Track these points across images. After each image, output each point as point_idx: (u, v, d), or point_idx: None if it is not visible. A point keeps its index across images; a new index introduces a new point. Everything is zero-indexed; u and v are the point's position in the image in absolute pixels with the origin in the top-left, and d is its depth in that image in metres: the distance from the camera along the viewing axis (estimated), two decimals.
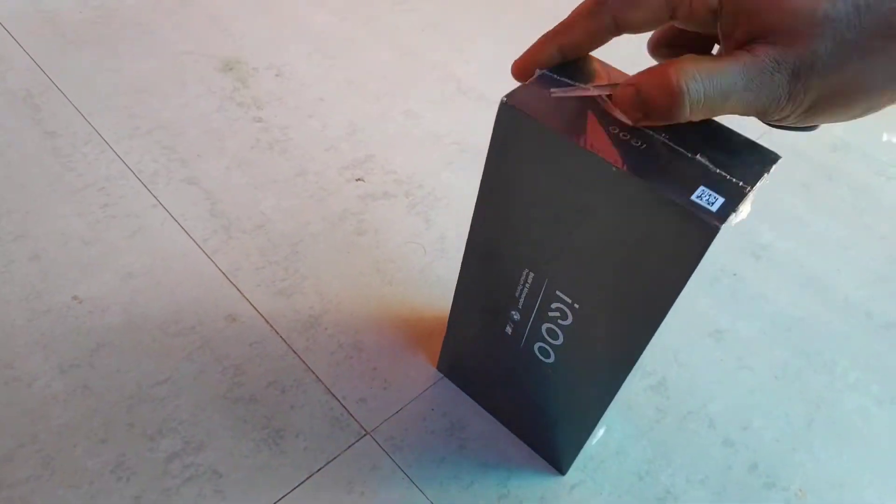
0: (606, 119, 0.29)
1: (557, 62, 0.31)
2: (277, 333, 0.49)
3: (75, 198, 0.55)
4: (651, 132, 0.29)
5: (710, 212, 0.27)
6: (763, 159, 0.30)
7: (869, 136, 0.84)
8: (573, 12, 0.30)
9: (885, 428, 0.52)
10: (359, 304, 0.51)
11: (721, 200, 0.27)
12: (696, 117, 0.27)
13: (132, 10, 0.76)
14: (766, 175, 0.29)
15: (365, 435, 0.44)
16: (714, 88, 0.26)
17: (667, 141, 0.29)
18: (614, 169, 0.28)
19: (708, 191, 0.27)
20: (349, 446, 0.43)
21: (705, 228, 0.27)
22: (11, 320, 0.46)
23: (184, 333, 0.48)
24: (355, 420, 0.45)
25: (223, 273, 0.52)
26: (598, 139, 0.29)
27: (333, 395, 0.46)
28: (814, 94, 0.26)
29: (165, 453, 0.41)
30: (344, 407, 0.45)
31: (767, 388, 0.52)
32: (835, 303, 0.60)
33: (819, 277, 0.62)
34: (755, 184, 0.28)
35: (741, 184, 0.28)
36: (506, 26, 0.86)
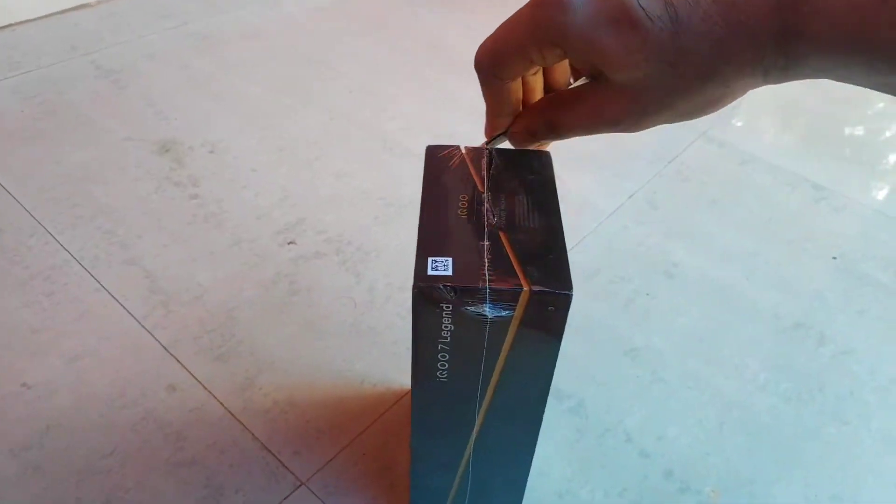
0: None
1: (510, 104, 0.35)
2: (215, 398, 0.52)
3: (22, 289, 0.58)
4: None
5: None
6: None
7: (775, 149, 0.90)
8: (502, 47, 0.32)
9: (792, 424, 0.56)
10: (292, 361, 0.55)
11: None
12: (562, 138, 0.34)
13: (72, 103, 0.80)
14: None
15: (301, 485, 0.48)
16: (575, 128, 0.32)
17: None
18: None
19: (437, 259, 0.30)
20: (285, 497, 0.47)
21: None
22: None
23: (128, 407, 0.51)
24: (290, 472, 0.48)
25: (163, 346, 0.55)
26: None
27: (269, 451, 0.49)
28: (658, 122, 0.30)
29: None
30: (279, 461, 0.49)
31: (681, 397, 0.56)
32: (744, 310, 0.65)
33: (728, 287, 0.67)
34: None
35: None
36: (427, 80, 0.92)
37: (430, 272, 0.30)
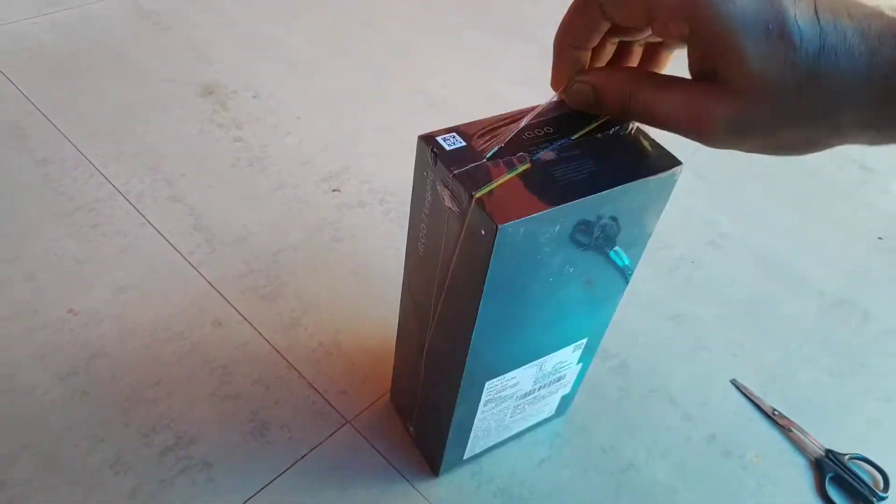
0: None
1: (578, 63, 0.33)
2: (261, 335, 0.52)
3: (67, 220, 0.58)
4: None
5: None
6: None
7: None
8: (568, 11, 0.31)
9: (835, 396, 0.55)
10: (337, 305, 0.55)
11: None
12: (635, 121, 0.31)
13: (113, 41, 0.79)
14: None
15: (345, 424, 0.47)
16: (654, 112, 0.29)
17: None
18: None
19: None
20: (330, 435, 0.47)
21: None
22: (10, 335, 0.49)
23: (173, 339, 0.51)
24: (336, 411, 0.48)
25: (209, 282, 0.55)
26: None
27: (315, 389, 0.49)
28: (743, 147, 0.28)
29: (159, 448, 0.45)
30: (325, 399, 0.48)
31: (725, 365, 0.56)
32: (788, 284, 0.64)
33: (773, 261, 0.66)
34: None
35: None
36: (468, 41, 0.91)
37: (439, 138, 0.31)
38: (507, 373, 0.39)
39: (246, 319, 0.53)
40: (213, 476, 0.44)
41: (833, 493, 0.49)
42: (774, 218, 0.71)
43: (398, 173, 0.67)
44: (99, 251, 0.56)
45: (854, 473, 0.50)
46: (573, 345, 0.41)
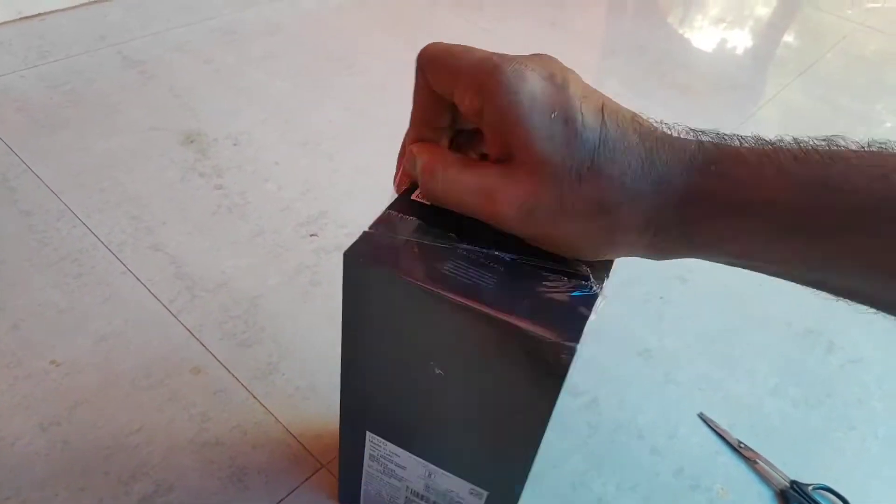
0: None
1: (424, 132, 0.34)
2: (239, 381, 0.53)
3: (51, 270, 0.60)
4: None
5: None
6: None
7: None
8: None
9: (801, 427, 0.57)
10: (314, 349, 0.56)
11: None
12: (444, 205, 0.31)
13: (99, 92, 0.82)
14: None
15: (321, 468, 0.49)
16: (451, 192, 0.30)
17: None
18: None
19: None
20: (307, 479, 0.48)
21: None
22: None
23: (154, 387, 0.52)
24: (311, 455, 0.49)
25: (188, 330, 0.56)
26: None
27: (291, 434, 0.50)
28: (532, 234, 0.30)
29: (139, 496, 0.46)
30: (301, 444, 0.50)
31: (692, 399, 0.57)
32: (756, 316, 0.66)
33: (741, 294, 0.68)
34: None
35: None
36: None
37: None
38: (389, 440, 0.39)
39: (224, 366, 0.54)
40: None
41: None
42: None
43: (374, 216, 0.69)
44: (81, 301, 0.58)
45: (818, 503, 0.51)
46: (469, 485, 0.38)
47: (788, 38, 1.32)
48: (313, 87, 0.88)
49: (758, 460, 0.54)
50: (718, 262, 0.31)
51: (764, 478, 0.53)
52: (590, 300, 0.30)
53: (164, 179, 0.71)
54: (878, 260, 0.27)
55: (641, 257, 0.30)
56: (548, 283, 0.30)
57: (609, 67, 1.09)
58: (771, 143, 0.28)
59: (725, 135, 0.29)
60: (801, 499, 0.51)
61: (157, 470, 0.47)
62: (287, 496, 0.47)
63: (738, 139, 0.28)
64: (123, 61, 0.88)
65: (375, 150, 0.78)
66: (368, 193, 0.72)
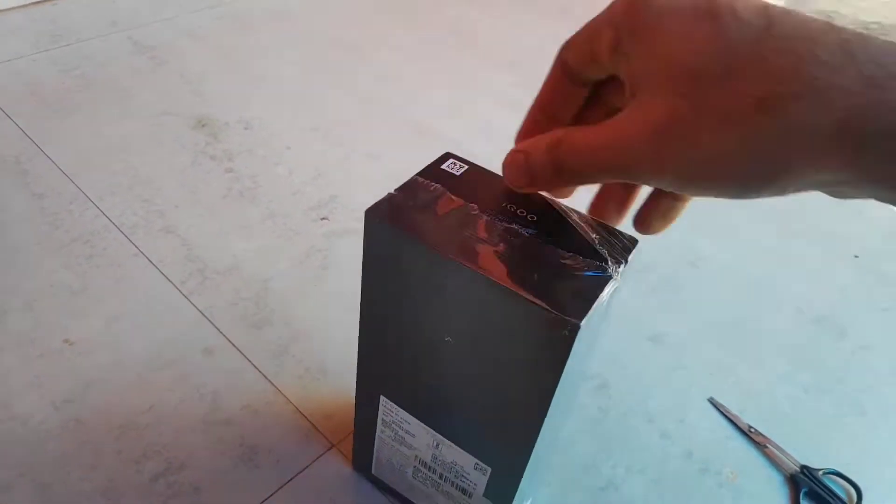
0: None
1: (544, 126, 0.30)
2: (250, 362, 0.53)
3: (63, 251, 0.60)
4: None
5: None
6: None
7: None
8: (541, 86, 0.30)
9: (811, 413, 0.56)
10: (324, 331, 0.56)
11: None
12: (576, 184, 0.28)
13: (110, 76, 0.82)
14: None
15: (331, 447, 0.49)
16: (581, 154, 0.26)
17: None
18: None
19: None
20: (317, 458, 0.48)
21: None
22: (8, 365, 0.51)
23: (165, 367, 0.52)
24: (322, 434, 0.49)
25: (200, 311, 0.57)
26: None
27: (302, 414, 0.51)
28: (669, 168, 0.23)
29: (150, 474, 0.46)
30: (311, 423, 0.50)
31: (703, 384, 0.57)
32: (767, 303, 0.66)
33: (751, 281, 0.67)
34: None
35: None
36: (456, 71, 0.93)
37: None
38: (401, 406, 0.39)
39: (236, 347, 0.54)
40: (201, 501, 0.45)
41: None
42: (753, 239, 0.73)
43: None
44: (94, 282, 0.58)
45: (828, 488, 0.51)
46: (474, 459, 0.38)
47: None
48: (323, 72, 0.88)
49: (768, 445, 0.53)
50: None
51: (774, 462, 0.53)
52: (602, 282, 0.30)
53: (176, 163, 0.71)
54: None
55: (830, 194, 0.23)
56: (563, 261, 0.30)
57: None
58: None
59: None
60: (812, 483, 0.51)
61: (169, 448, 0.48)
62: (297, 475, 0.47)
63: None
64: (134, 46, 0.88)
65: (386, 137, 0.78)
66: (379, 179, 0.72)
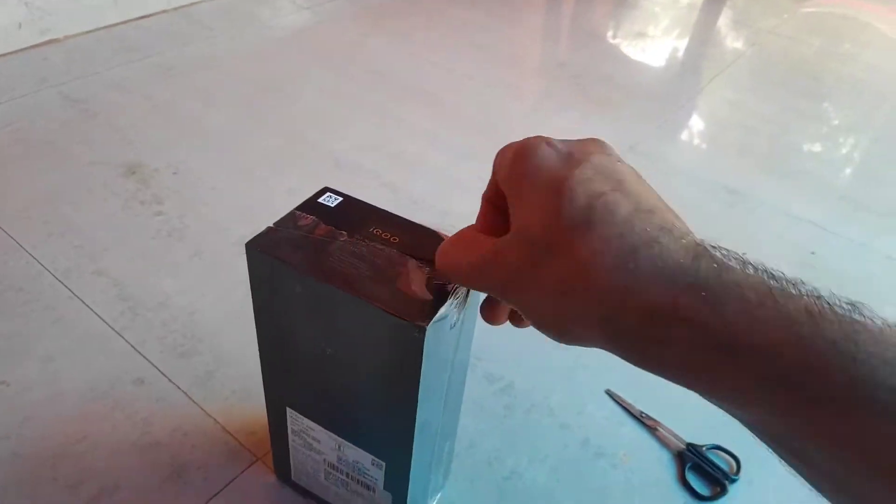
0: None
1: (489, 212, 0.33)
2: (179, 389, 0.58)
3: None
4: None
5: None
6: None
7: (699, 158, 0.98)
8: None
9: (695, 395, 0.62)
10: (248, 356, 0.60)
11: None
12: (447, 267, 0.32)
13: (42, 130, 0.86)
14: None
15: (256, 460, 0.53)
16: (453, 276, 0.32)
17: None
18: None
19: None
20: (243, 471, 0.52)
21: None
22: None
23: (99, 399, 0.56)
24: (247, 449, 0.54)
25: (131, 345, 0.61)
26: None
27: (228, 432, 0.55)
28: (493, 287, 0.29)
29: (85, 498, 0.50)
30: (237, 440, 0.54)
31: (600, 378, 0.63)
32: None
33: None
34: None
35: None
36: (373, 104, 0.99)
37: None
38: (304, 415, 0.44)
39: (165, 376, 0.58)
40: None
41: (692, 479, 0.56)
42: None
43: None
44: (29, 326, 0.62)
45: (710, 461, 0.57)
46: (371, 456, 0.42)
47: (704, 49, 1.41)
48: (249, 116, 0.93)
49: (658, 427, 0.59)
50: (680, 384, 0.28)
51: (663, 442, 0.58)
52: (448, 290, 0.35)
53: (107, 209, 0.75)
54: (875, 448, 0.23)
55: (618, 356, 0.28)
56: (413, 274, 0.36)
57: (534, 85, 1.16)
58: (776, 278, 0.25)
59: (732, 253, 0.26)
60: (696, 458, 0.57)
61: (102, 473, 0.51)
62: (224, 487, 0.51)
63: (743, 263, 0.25)
64: (64, 101, 0.92)
65: (307, 173, 0.84)
66: None
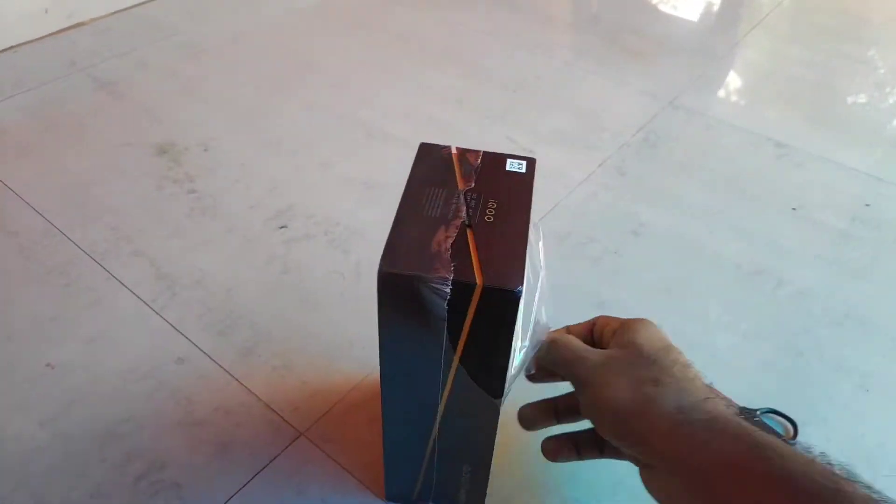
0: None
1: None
2: (220, 366, 0.57)
3: (40, 283, 0.64)
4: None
5: None
6: None
7: (743, 111, 0.95)
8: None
9: (750, 358, 0.60)
10: (288, 331, 0.60)
11: None
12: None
13: (73, 114, 0.86)
14: None
15: (300, 436, 0.53)
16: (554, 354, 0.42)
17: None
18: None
19: None
20: (287, 446, 0.52)
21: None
22: None
23: (141, 379, 0.56)
24: (290, 425, 0.53)
25: (170, 324, 0.61)
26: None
27: (271, 408, 0.54)
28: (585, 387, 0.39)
29: (133, 476, 0.50)
30: (280, 416, 0.54)
31: None
32: (707, 261, 0.69)
33: (693, 242, 0.71)
34: None
35: None
36: (401, 72, 0.97)
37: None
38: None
39: (206, 354, 0.58)
40: (182, 495, 0.49)
41: None
42: (694, 203, 0.76)
43: (339, 204, 0.73)
44: (69, 308, 0.62)
45: (766, 426, 0.55)
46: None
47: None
48: (276, 89, 0.92)
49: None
50: None
51: None
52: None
53: (140, 190, 0.75)
54: None
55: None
56: None
57: (565, 41, 1.13)
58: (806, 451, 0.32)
59: (776, 436, 0.33)
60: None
61: (149, 452, 0.51)
62: (270, 463, 0.51)
63: (778, 441, 0.32)
64: (94, 83, 0.92)
65: (337, 143, 0.82)
66: (332, 184, 0.76)
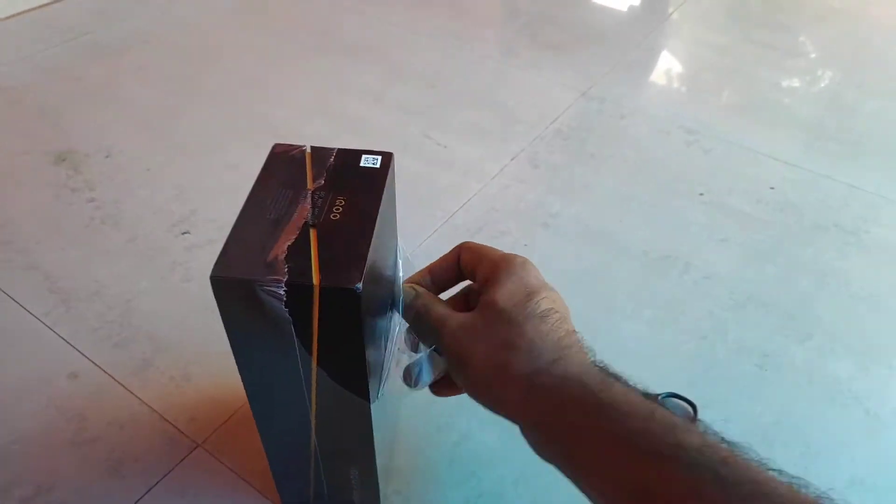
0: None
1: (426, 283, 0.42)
2: (115, 380, 0.56)
3: None
4: None
5: None
6: None
7: (656, 99, 0.96)
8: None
9: (654, 345, 0.61)
10: (188, 341, 0.59)
11: None
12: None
13: None
14: None
15: (196, 447, 0.51)
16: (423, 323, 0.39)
17: None
18: None
19: None
20: (182, 459, 0.51)
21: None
22: None
23: (30, 397, 0.54)
24: (186, 436, 0.52)
25: (64, 339, 0.58)
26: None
27: (167, 420, 0.53)
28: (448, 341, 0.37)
29: (19, 500, 0.48)
30: (176, 428, 0.52)
31: None
32: (616, 250, 0.70)
33: (602, 231, 0.72)
34: None
35: None
36: (316, 67, 0.96)
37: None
38: None
39: (100, 367, 0.56)
40: None
41: None
42: (604, 193, 0.77)
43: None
44: None
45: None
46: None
47: None
48: (185, 91, 0.90)
49: None
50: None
51: None
52: None
53: (37, 200, 0.72)
54: None
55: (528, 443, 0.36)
56: None
57: (486, 35, 1.13)
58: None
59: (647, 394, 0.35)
60: None
61: (37, 474, 0.50)
62: (164, 477, 0.50)
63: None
64: None
65: (245, 146, 0.81)
66: (237, 187, 0.74)
